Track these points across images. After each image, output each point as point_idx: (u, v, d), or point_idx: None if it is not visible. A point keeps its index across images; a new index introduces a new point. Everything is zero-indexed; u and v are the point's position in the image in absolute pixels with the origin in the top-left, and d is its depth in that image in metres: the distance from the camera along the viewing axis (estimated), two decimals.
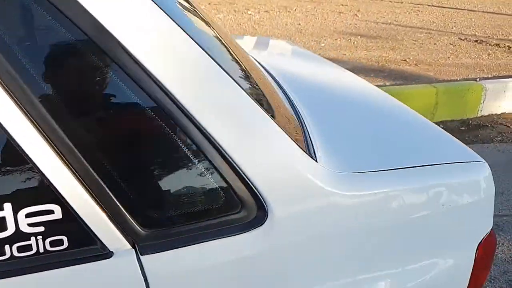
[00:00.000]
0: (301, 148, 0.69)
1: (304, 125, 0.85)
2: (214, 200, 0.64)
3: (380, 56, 4.04)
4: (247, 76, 0.82)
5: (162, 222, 0.62)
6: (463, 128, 3.04)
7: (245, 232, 0.65)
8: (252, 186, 0.63)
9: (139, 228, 0.60)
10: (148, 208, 0.62)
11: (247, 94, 0.65)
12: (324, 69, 1.38)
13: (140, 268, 0.60)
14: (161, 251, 0.61)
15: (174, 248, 0.62)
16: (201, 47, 0.61)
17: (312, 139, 0.80)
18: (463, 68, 3.81)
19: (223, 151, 0.61)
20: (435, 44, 4.60)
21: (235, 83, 0.63)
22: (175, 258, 0.62)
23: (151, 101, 0.57)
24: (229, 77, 0.63)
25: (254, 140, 0.64)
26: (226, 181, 0.63)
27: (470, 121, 3.12)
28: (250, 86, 0.77)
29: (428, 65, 3.87)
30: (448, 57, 4.14)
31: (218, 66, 0.62)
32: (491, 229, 0.87)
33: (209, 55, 0.62)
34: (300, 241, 0.69)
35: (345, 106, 1.05)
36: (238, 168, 0.62)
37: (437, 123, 2.92)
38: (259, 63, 1.16)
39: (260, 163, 0.64)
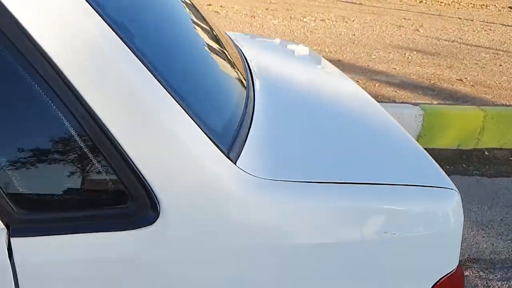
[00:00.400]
0: (216, 145, 0.62)
1: (242, 123, 0.77)
2: (99, 190, 0.59)
3: (433, 73, 3.81)
4: (182, 63, 0.75)
5: (39, 206, 0.59)
6: None
7: (130, 229, 0.59)
8: (143, 180, 0.57)
9: (14, 209, 0.57)
10: (26, 190, 0.58)
11: (158, 79, 0.59)
12: (320, 73, 1.32)
13: (8, 249, 0.57)
14: (33, 236, 0.58)
15: (48, 235, 0.58)
16: (109, 24, 0.56)
17: (246, 138, 0.72)
18: None
19: (112, 137, 0.56)
20: (500, 65, 4.24)
21: (142, 65, 0.58)
22: (46, 246, 0.58)
23: (39, 77, 0.54)
24: (137, 59, 0.58)
25: (153, 130, 0.57)
26: (115, 171, 0.57)
27: None
28: (176, 73, 0.69)
29: (487, 87, 3.57)
30: None
31: (125, 46, 0.57)
32: (458, 268, 0.74)
33: (117, 33, 0.57)
34: (193, 253, 0.61)
35: (316, 112, 0.97)
36: (128, 159, 0.56)
37: (482, 150, 2.70)
38: (244, 57, 1.12)
39: (157, 156, 0.57)
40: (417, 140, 2.61)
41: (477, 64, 4.23)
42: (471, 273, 1.76)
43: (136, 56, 0.58)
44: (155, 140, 0.58)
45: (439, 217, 0.72)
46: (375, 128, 0.94)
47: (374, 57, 4.17)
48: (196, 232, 0.61)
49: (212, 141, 0.62)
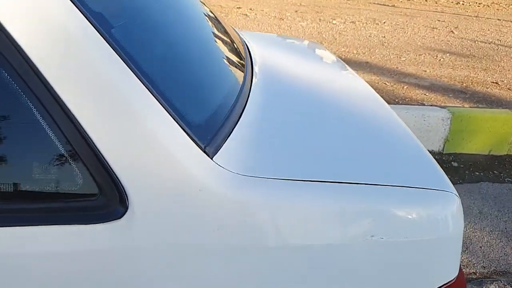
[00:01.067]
0: (192, 139, 0.60)
1: (227, 118, 0.73)
2: (67, 181, 0.57)
3: (466, 76, 3.66)
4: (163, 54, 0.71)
5: (3, 196, 0.57)
6: None
7: (97, 223, 0.57)
8: (112, 173, 0.55)
9: None
10: None
11: (132, 68, 0.57)
12: (328, 71, 1.27)
13: None
14: None
15: (12, 226, 0.56)
16: (80, 9, 0.53)
17: (230, 133, 0.69)
18: None
19: (81, 127, 0.53)
20: None
21: (116, 56, 0.56)
22: (9, 237, 0.56)
23: (6, 63, 0.52)
24: (109, 46, 0.55)
25: (124, 121, 0.55)
26: (83, 163, 0.55)
27: None
28: (154, 64, 0.66)
29: None
30: None
31: (97, 33, 0.54)
32: (458, 277, 0.68)
33: (88, 18, 0.54)
34: (163, 249, 0.58)
35: (315, 110, 0.93)
36: (97, 150, 0.54)
37: None
38: (248, 53, 1.10)
39: (127, 147, 0.55)
40: (443, 145, 2.50)
41: None
42: (497, 286, 1.66)
43: (109, 44, 0.56)
44: (126, 131, 0.55)
45: (436, 222, 0.66)
46: (375, 127, 0.90)
47: (404, 59, 4.05)
48: (167, 228, 0.58)
49: (188, 135, 0.59)
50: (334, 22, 5.41)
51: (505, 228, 1.99)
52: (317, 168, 0.68)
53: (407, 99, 3.09)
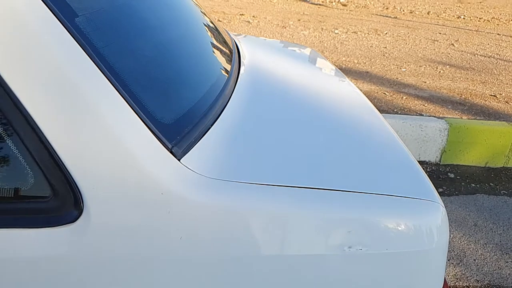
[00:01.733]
0: (158, 138, 0.54)
1: (202, 118, 0.68)
2: (17, 181, 0.52)
3: (465, 88, 3.68)
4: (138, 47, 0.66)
5: None
6: None
7: (48, 226, 0.52)
8: (66, 172, 0.50)
9: None
10: None
11: (93, 58, 0.52)
12: (318, 75, 1.24)
13: None
14: None
15: None
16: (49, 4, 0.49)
17: (204, 134, 0.64)
18: None
19: (33, 121, 0.49)
20: None
21: (77, 45, 0.51)
22: None
23: None
24: (68, 34, 0.50)
25: (82, 115, 0.49)
26: (35, 161, 0.51)
27: None
28: (121, 58, 0.60)
29: None
30: None
31: (55, 18, 0.49)
32: None
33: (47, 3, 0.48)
34: (121, 255, 0.52)
35: (300, 113, 0.88)
36: (50, 147, 0.49)
37: None
38: (237, 53, 1.06)
39: (84, 145, 0.49)
40: (440, 156, 2.51)
41: None
42: None
43: (70, 33, 0.51)
44: (83, 127, 0.50)
45: (420, 233, 0.61)
46: (361, 132, 0.86)
47: (404, 70, 4.08)
48: (125, 235, 0.53)
49: (154, 134, 0.54)
50: (336, 31, 5.46)
51: (500, 241, 2.00)
52: (294, 173, 0.63)
53: (406, 110, 3.11)
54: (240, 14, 5.85)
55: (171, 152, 0.56)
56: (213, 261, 0.56)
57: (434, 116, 2.78)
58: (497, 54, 5.07)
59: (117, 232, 0.53)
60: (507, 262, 1.87)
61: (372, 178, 0.67)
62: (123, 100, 0.54)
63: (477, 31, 6.35)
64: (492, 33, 6.30)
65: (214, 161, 0.61)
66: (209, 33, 1.06)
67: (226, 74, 0.92)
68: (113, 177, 0.51)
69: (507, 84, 3.93)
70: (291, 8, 6.91)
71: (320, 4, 7.57)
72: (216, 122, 0.71)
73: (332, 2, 7.77)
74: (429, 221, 0.63)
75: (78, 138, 0.50)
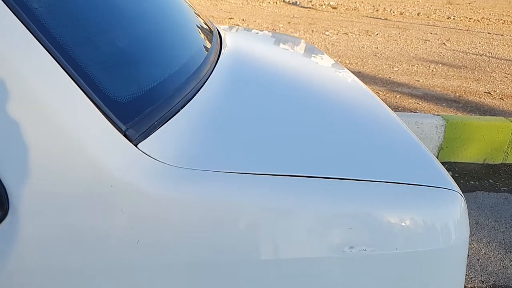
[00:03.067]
0: (108, 117, 0.45)
1: (169, 99, 0.60)
2: None
3: (459, 86, 3.64)
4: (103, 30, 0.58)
5: None
6: None
7: None
8: None
9: None
10: None
11: (30, 27, 0.43)
12: (308, 62, 1.15)
13: None
14: None
15: None
16: None
17: (170, 117, 0.55)
18: None
19: None
20: None
21: (27, 31, 0.43)
22: None
23: None
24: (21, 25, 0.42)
25: (8, 88, 0.39)
26: None
27: None
28: (70, 30, 0.52)
29: None
30: None
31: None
32: None
33: None
34: (50, 268, 0.41)
35: (288, 97, 0.79)
36: None
37: None
38: (218, 38, 0.99)
39: (7, 128, 0.39)
40: (437, 153, 2.44)
41: (507, 77, 4.02)
42: None
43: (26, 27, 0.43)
44: (14, 103, 0.40)
45: (436, 228, 0.50)
46: (356, 115, 0.77)
47: (397, 69, 4.03)
48: (62, 241, 0.42)
49: (102, 112, 0.44)
50: (327, 33, 5.41)
51: (503, 239, 1.91)
52: (278, 160, 0.53)
53: (400, 108, 3.04)
54: (229, 18, 5.79)
55: (125, 136, 0.46)
56: (180, 269, 0.45)
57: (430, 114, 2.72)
58: (489, 52, 5.05)
59: (53, 238, 0.42)
60: (511, 261, 1.79)
61: (375, 164, 0.57)
62: (60, 68, 0.44)
63: (467, 30, 6.36)
64: (483, 32, 6.31)
65: (182, 148, 0.51)
66: (187, 17, 0.98)
67: (203, 56, 0.83)
68: (48, 168, 0.41)
69: (500, 81, 3.89)
70: (281, 12, 6.88)
71: (310, 7, 7.56)
72: (188, 104, 0.62)
73: (322, 5, 7.76)
74: (446, 213, 0.52)
75: (3, 119, 0.39)
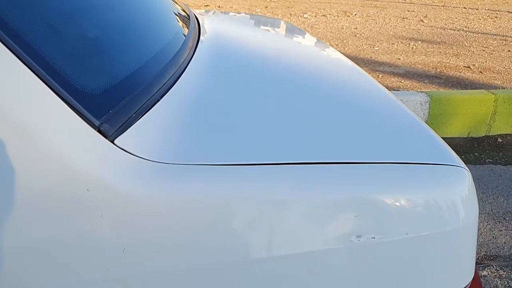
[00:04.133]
0: (79, 111, 0.41)
1: (148, 87, 0.55)
2: None
3: (439, 62, 3.67)
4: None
5: None
6: None
7: None
8: None
9: None
10: None
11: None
12: (292, 43, 1.11)
13: None
14: None
15: None
16: None
17: (148, 109, 0.51)
18: None
19: None
20: (509, 51, 4.08)
21: None
22: None
23: None
24: None
25: None
26: None
27: None
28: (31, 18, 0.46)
29: (496, 73, 3.42)
30: None
31: None
32: (474, 280, 0.51)
33: None
34: (16, 277, 0.36)
35: (277, 79, 0.75)
36: None
37: (495, 136, 2.54)
38: (196, 25, 0.95)
39: None
40: None
41: (484, 51, 4.08)
42: (490, 272, 1.60)
43: None
44: None
45: (446, 208, 0.48)
46: (353, 93, 0.74)
47: (377, 48, 4.04)
48: (37, 247, 0.37)
49: (72, 107, 0.39)
50: (305, 16, 5.37)
51: (491, 210, 1.96)
52: (272, 147, 0.50)
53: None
54: (205, 5, 5.68)
55: (99, 131, 0.42)
56: (176, 276, 0.40)
57: (414, 91, 2.73)
58: (465, 27, 5.11)
59: (23, 253, 0.36)
60: (501, 230, 1.83)
61: (375, 145, 0.53)
62: (19, 60, 0.38)
63: (444, 6, 6.41)
64: (459, 7, 6.37)
65: (165, 141, 0.46)
66: (163, 6, 0.93)
67: (181, 42, 0.78)
68: (9, 171, 0.35)
69: (478, 55, 3.94)
70: None
71: None
72: (168, 93, 0.57)
73: None
74: (455, 191, 0.49)
75: None
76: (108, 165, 0.40)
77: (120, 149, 0.42)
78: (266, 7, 5.79)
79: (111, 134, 0.43)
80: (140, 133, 0.45)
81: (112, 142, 0.43)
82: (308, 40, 1.20)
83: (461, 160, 0.56)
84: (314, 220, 0.44)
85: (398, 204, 0.47)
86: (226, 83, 0.70)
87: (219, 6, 5.67)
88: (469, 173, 0.53)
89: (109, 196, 0.39)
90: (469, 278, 0.51)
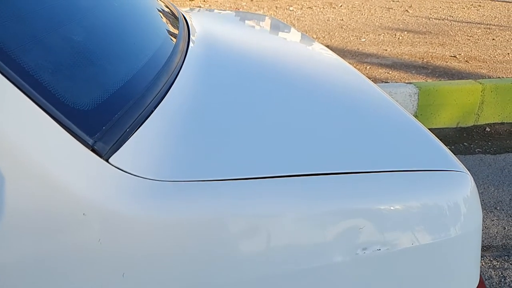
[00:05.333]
0: (72, 132, 0.38)
1: (139, 100, 0.52)
2: None
3: (426, 52, 3.68)
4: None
5: None
6: None
7: None
8: None
9: None
10: None
11: None
12: (286, 44, 1.08)
13: None
14: None
15: None
16: None
17: (140, 124, 0.48)
18: None
19: None
20: (493, 39, 4.11)
21: None
22: None
23: None
24: None
25: None
26: None
27: None
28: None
29: (482, 62, 3.44)
30: (508, 53, 3.67)
31: None
32: (479, 285, 0.51)
33: None
34: None
35: (265, 87, 0.71)
36: None
37: (483, 126, 2.56)
38: (186, 29, 0.92)
39: None
40: None
41: (469, 40, 4.10)
42: (484, 263, 1.62)
43: None
44: None
45: (448, 216, 0.47)
46: (349, 96, 0.71)
47: (364, 40, 4.03)
48: (33, 277, 0.34)
49: (63, 126, 0.37)
50: (291, 8, 5.33)
51: (483, 200, 1.97)
52: (273, 159, 0.48)
53: (371, 79, 3.04)
54: (190, 0, 5.59)
55: (93, 150, 0.39)
56: None
57: (402, 82, 2.73)
58: (450, 16, 5.14)
59: (17, 282, 0.34)
60: (492, 220, 1.84)
61: (374, 153, 0.52)
62: (3, 77, 0.35)
63: None
64: None
65: (161, 157, 0.43)
66: (147, 3, 0.89)
67: (172, 46, 0.75)
68: (4, 198, 0.32)
69: (464, 44, 3.97)
70: None
71: None
72: (161, 103, 0.54)
73: None
74: (458, 198, 0.48)
75: None
76: (104, 187, 0.37)
77: (115, 168, 0.39)
78: (252, 0, 5.73)
79: (105, 152, 0.40)
80: (135, 150, 0.43)
81: (107, 161, 0.40)
82: (295, 37, 1.17)
83: (463, 165, 0.55)
84: (317, 235, 0.42)
85: (402, 213, 0.45)
86: (221, 90, 0.67)
87: (204, 1, 5.59)
88: (471, 178, 0.53)
89: (106, 220, 0.36)
90: (474, 284, 0.50)
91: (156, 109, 0.53)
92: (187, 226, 0.39)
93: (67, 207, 0.35)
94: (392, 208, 0.45)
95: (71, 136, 0.38)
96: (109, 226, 0.37)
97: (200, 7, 5.23)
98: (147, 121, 0.49)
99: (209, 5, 5.36)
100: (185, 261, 0.39)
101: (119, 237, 0.37)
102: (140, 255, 0.37)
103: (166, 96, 0.57)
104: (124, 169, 0.40)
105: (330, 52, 1.08)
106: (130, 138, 0.44)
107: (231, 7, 5.36)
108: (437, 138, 0.62)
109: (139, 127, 0.47)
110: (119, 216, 0.37)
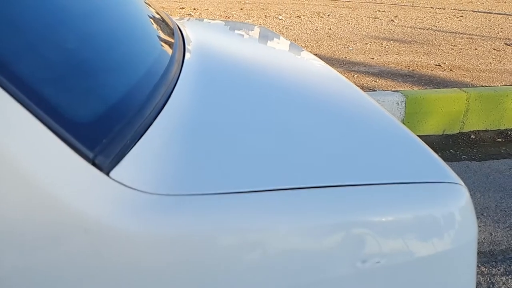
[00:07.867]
0: (71, 144, 0.38)
1: (139, 112, 0.52)
2: None
3: (411, 61, 3.76)
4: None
5: None
6: (499, 139, 2.71)
7: None
8: None
9: None
10: None
11: None
12: (280, 53, 1.10)
13: None
14: None
15: None
16: None
17: (140, 136, 0.48)
18: (507, 74, 3.45)
19: None
20: (476, 49, 4.23)
21: None
22: None
23: None
24: None
25: None
26: None
27: (509, 132, 2.77)
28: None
29: (466, 71, 3.54)
30: (490, 63, 3.78)
31: None
32: None
33: None
34: None
35: (262, 98, 0.72)
36: None
37: (468, 133, 2.63)
38: (181, 38, 0.93)
39: None
40: None
41: (453, 49, 4.22)
42: None
43: None
44: None
45: (444, 228, 0.47)
46: (342, 110, 0.72)
47: (351, 48, 4.10)
48: None
49: (64, 140, 0.37)
50: (280, 17, 5.40)
51: None
52: (272, 172, 0.48)
53: (359, 87, 3.10)
54: (180, 8, 5.62)
55: (94, 165, 0.38)
56: None
57: (389, 91, 2.79)
58: (434, 26, 5.27)
59: None
60: (479, 226, 1.89)
61: (368, 164, 0.53)
62: (5, 93, 0.34)
63: (412, 6, 6.59)
64: (426, 7, 6.56)
65: (164, 169, 0.43)
66: (141, 13, 0.90)
67: (168, 55, 0.76)
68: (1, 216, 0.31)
69: (448, 53, 4.07)
70: None
71: None
72: (161, 114, 0.54)
73: None
74: (454, 209, 0.49)
75: None
76: (105, 202, 0.36)
77: (116, 183, 0.38)
78: (242, 9, 5.79)
79: (106, 166, 0.40)
80: (135, 163, 0.42)
81: (107, 175, 0.39)
82: (285, 46, 1.20)
83: (457, 176, 0.57)
84: (317, 248, 0.43)
85: (399, 225, 0.46)
86: (220, 99, 0.68)
87: (194, 9, 5.62)
88: (466, 189, 0.53)
89: (107, 235, 0.35)
90: None
91: (155, 120, 0.53)
92: (189, 240, 0.39)
93: (68, 225, 0.34)
94: (387, 220, 0.46)
95: (71, 150, 0.37)
96: (110, 242, 0.36)
97: (190, 15, 5.25)
98: (147, 131, 0.49)
99: (200, 14, 5.39)
100: (185, 275, 0.39)
101: (120, 252, 0.36)
102: (145, 273, 0.37)
103: (164, 107, 0.57)
104: (126, 184, 0.39)
105: (321, 62, 1.11)
106: (130, 151, 0.44)
107: (221, 15, 5.40)
108: (431, 149, 0.64)
109: (138, 140, 0.47)
110: (121, 231, 0.36)
